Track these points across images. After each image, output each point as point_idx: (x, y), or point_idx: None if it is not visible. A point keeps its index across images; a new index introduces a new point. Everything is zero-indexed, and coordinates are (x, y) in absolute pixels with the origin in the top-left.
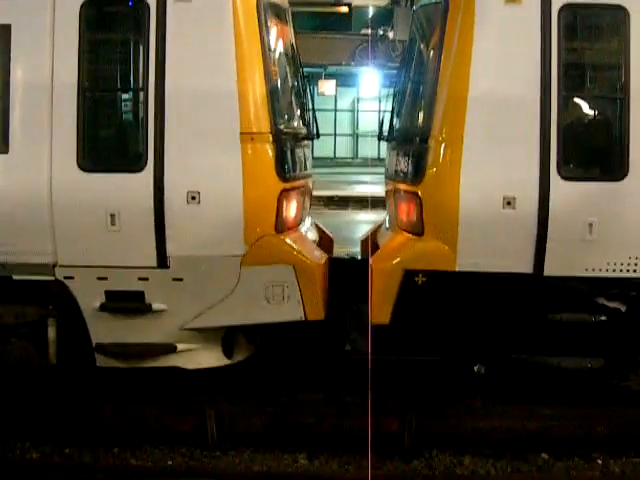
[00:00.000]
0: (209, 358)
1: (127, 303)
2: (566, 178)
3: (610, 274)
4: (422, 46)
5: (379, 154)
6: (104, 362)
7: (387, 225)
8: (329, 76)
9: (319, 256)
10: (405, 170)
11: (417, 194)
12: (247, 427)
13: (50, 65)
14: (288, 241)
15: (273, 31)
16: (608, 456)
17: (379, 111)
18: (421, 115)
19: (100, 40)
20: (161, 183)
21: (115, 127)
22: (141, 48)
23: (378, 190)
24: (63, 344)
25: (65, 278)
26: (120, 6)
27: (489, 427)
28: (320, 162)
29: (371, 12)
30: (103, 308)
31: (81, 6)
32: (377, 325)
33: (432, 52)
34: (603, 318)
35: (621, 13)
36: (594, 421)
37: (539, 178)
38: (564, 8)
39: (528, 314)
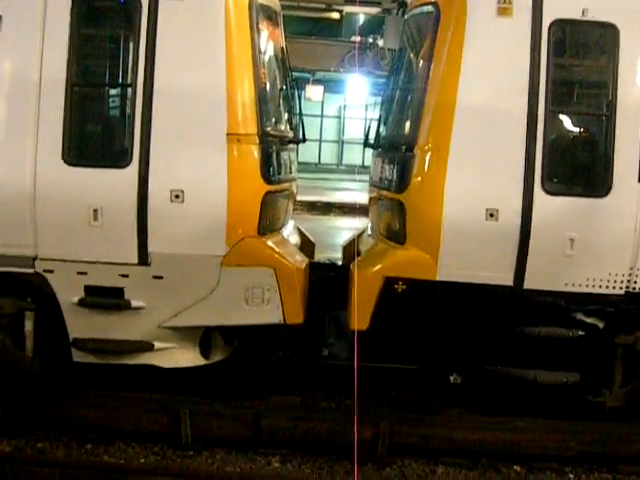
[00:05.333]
0: (186, 358)
1: (106, 299)
2: (550, 192)
3: (589, 290)
4: (412, 55)
5: (364, 161)
6: (80, 357)
7: (369, 232)
8: (317, 82)
9: (300, 260)
10: (390, 178)
11: (401, 202)
12: (221, 428)
13: (39, 58)
14: (270, 244)
15: (264, 33)
16: (580, 471)
17: (365, 119)
18: (408, 124)
19: (90, 35)
20: (145, 180)
21: (102, 122)
22: (131, 45)
23: (361, 197)
24: (40, 337)
25: (45, 271)
26: (112, 1)
27: (463, 437)
28: (304, 167)
29: (362, 19)
30: (82, 303)
31: (73, 0)
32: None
33: (421, 61)
34: (580, 333)
35: (611, 30)
36: (567, 435)
37: (523, 191)
38: (555, 23)
39: (506, 326)
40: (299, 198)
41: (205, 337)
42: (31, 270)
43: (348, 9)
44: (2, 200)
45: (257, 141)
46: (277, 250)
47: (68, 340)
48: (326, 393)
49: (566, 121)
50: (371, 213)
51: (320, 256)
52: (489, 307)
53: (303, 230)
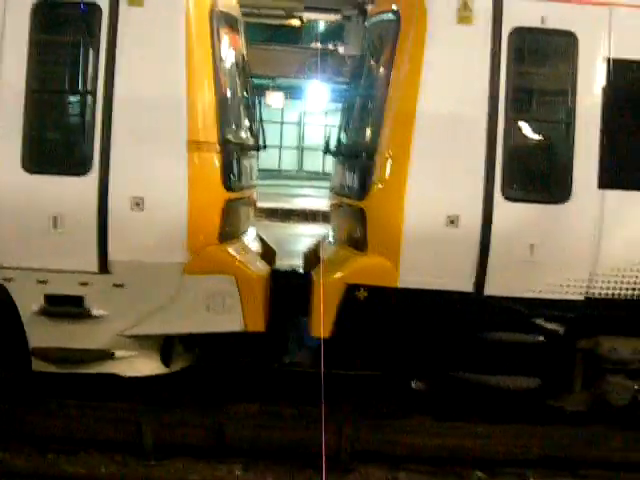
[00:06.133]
0: (147, 366)
1: (66, 308)
2: (510, 199)
3: (549, 295)
4: (372, 62)
5: (324, 168)
6: (41, 366)
7: (330, 239)
8: (277, 88)
9: (261, 267)
10: (350, 185)
11: (362, 209)
12: (183, 437)
13: None
14: (231, 251)
15: (225, 41)
16: (542, 475)
17: (325, 125)
18: (368, 130)
19: (50, 42)
20: (105, 187)
21: (61, 129)
22: (91, 51)
23: (321, 204)
24: None
25: (4, 280)
26: (72, 9)
27: (425, 443)
28: (265, 174)
29: (322, 26)
30: (42, 312)
31: (32, 7)
32: (317, 338)
33: (382, 68)
34: (541, 339)
35: (570, 38)
36: (529, 440)
37: (483, 198)
38: (514, 31)
39: (468, 332)
40: (259, 205)
41: (166, 345)
42: None
43: (308, 16)
44: None
45: (218, 149)
46: (238, 258)
47: (28, 349)
48: (289, 401)
49: (526, 128)
50: (332, 220)
51: (281, 263)
52: (451, 313)
53: (264, 237)
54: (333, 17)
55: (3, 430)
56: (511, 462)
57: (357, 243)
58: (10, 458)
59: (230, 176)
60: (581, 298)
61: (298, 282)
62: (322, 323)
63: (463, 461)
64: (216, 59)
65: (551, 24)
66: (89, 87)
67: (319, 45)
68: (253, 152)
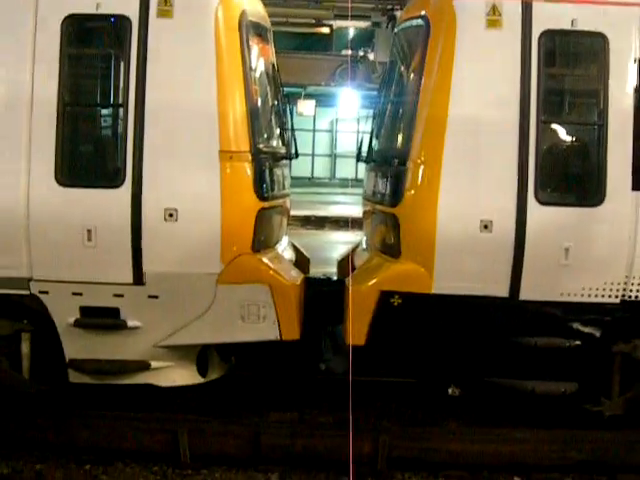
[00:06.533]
0: (183, 376)
1: (102, 319)
2: (543, 203)
3: (585, 299)
4: (402, 68)
5: (357, 175)
6: (77, 378)
7: (364, 246)
8: (308, 96)
9: (295, 276)
10: (383, 191)
11: (394, 216)
12: (220, 446)
13: (30, 79)
14: (265, 260)
15: (254, 50)
16: None
17: (357, 132)
18: (400, 137)
19: (81, 55)
20: (139, 199)
21: (94, 142)
22: (122, 64)
23: (355, 211)
24: (36, 359)
25: (40, 292)
26: (102, 21)
27: (463, 450)
28: (298, 182)
29: (352, 33)
30: (77, 324)
31: (63, 21)
32: (352, 346)
33: (412, 74)
34: (577, 343)
35: (600, 40)
36: (566, 445)
37: (516, 202)
38: (544, 34)
39: (503, 337)
40: (293, 213)
41: (202, 355)
42: (26, 292)
43: (338, 23)
44: None
45: (250, 158)
46: (272, 266)
47: (64, 361)
48: (325, 408)
49: (558, 131)
50: (365, 227)
51: (315, 271)
52: (485, 319)
53: (297, 245)
54: (362, 24)
55: (40, 442)
56: (549, 467)
57: (390, 250)
58: (47, 469)
59: (263, 185)
60: (617, 301)
61: (333, 290)
62: (350, 330)
63: (501, 467)
64: (246, 69)
65: (581, 26)
66: (120, 99)
67: (349, 52)
68: (285, 161)
